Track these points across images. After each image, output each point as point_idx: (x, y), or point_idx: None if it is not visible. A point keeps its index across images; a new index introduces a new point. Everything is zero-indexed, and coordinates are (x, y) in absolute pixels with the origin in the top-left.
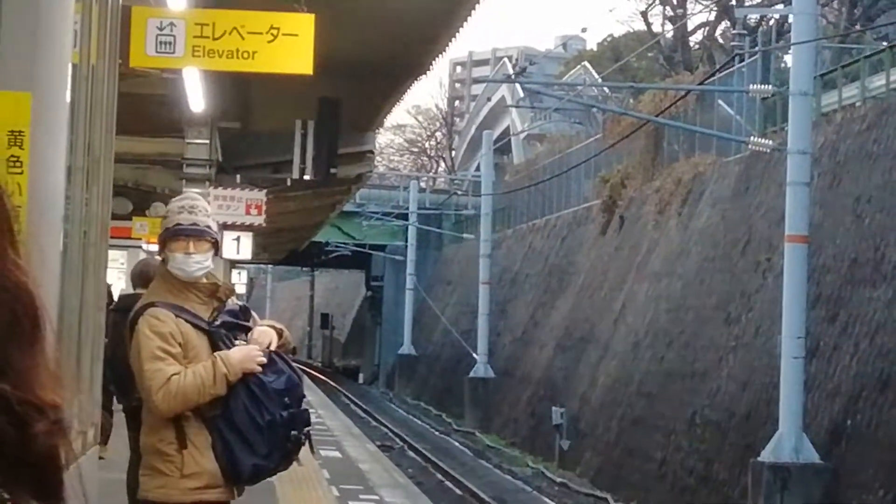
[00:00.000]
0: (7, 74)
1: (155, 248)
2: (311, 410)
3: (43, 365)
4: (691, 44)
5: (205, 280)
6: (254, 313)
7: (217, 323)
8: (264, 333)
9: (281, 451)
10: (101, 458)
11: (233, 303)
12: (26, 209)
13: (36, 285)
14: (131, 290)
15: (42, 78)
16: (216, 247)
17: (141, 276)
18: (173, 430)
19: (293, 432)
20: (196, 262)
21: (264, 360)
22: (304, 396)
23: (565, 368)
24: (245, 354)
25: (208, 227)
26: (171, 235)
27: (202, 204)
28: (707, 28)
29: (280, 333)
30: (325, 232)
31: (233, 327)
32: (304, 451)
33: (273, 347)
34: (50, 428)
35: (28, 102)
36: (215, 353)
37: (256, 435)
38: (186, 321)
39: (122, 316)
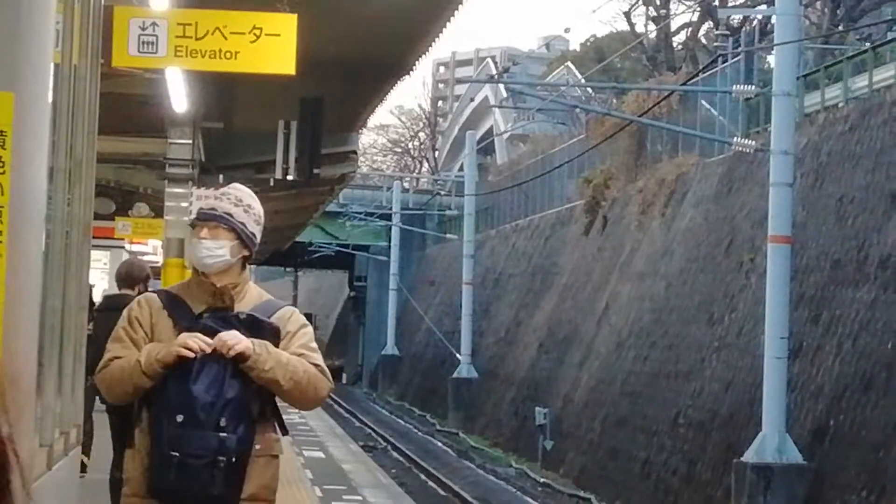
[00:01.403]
0: None
1: (138, 247)
2: (296, 412)
3: None
4: (674, 44)
5: (220, 279)
6: (284, 325)
7: (198, 325)
8: (226, 336)
9: (166, 469)
10: (82, 474)
11: (243, 310)
12: (8, 210)
13: None
14: (116, 291)
15: (24, 78)
16: (242, 240)
17: (126, 277)
18: (130, 433)
19: (173, 452)
20: (205, 248)
21: (187, 352)
22: (210, 417)
23: (548, 369)
24: (168, 346)
25: (229, 213)
26: (192, 221)
27: (238, 194)
28: (690, 29)
29: (245, 354)
30: (308, 232)
31: (210, 332)
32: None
33: (231, 353)
34: None
35: (10, 102)
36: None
37: (151, 446)
38: (171, 315)
39: (106, 316)
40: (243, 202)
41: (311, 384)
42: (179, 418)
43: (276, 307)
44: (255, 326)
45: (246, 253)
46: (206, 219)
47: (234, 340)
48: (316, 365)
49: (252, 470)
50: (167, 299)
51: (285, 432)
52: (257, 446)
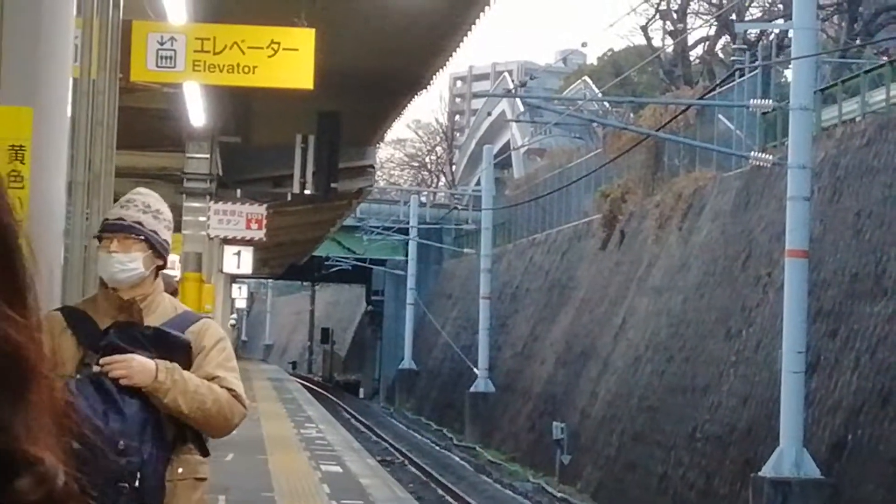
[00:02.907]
0: (8, 90)
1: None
2: (314, 426)
3: (34, 419)
4: (691, 58)
5: (129, 291)
6: (199, 339)
7: (103, 342)
8: (116, 366)
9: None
10: None
11: (151, 325)
12: (27, 224)
13: (30, 337)
14: None
15: (43, 93)
16: (155, 249)
17: None
18: None
19: (121, 484)
20: (118, 263)
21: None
22: (106, 441)
23: (566, 383)
24: None
25: (138, 222)
26: (98, 233)
27: (144, 199)
28: (707, 43)
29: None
30: (325, 246)
31: (115, 351)
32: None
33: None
34: (34, 484)
35: (29, 117)
36: None
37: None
38: (74, 333)
39: None
40: (151, 208)
41: (220, 414)
42: (120, 445)
43: (191, 320)
44: (163, 342)
45: (160, 262)
46: (115, 230)
47: (122, 370)
48: (230, 389)
49: (177, 495)
50: (70, 315)
51: (206, 454)
52: (179, 470)
